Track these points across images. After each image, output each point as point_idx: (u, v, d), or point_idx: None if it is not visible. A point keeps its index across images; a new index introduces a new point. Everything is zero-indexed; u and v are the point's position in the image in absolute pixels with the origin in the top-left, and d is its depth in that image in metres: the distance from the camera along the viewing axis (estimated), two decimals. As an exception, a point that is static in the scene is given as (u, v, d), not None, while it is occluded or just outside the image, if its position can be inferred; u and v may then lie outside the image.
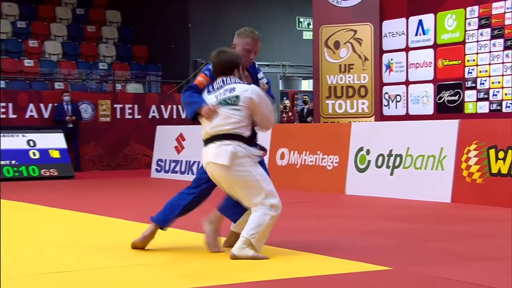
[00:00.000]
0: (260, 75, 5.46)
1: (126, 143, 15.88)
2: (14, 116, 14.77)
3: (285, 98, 19.69)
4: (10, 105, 14.77)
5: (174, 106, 16.66)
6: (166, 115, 16.53)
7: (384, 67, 11.30)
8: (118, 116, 15.96)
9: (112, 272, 4.58)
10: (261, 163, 5.05)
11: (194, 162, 12.43)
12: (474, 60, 10.12)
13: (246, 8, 18.89)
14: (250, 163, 4.90)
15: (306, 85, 21.13)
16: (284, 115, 18.60)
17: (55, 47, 18.06)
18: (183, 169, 12.74)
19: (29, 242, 5.90)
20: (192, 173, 12.52)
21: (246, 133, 4.92)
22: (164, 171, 13.18)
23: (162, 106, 16.52)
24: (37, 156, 13.20)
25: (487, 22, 9.99)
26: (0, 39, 17.55)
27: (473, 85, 10.13)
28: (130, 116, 16.08)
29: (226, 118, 4.88)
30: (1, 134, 12.87)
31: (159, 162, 13.39)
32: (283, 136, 10.87)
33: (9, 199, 9.33)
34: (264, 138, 11.07)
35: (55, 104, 14.94)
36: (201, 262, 4.88)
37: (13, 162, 12.91)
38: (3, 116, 14.63)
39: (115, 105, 15.94)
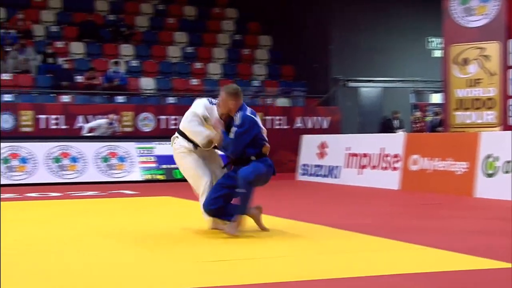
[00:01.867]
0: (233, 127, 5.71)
1: (275, 151, 15.99)
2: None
3: (416, 110, 19.12)
4: (179, 117, 15.33)
5: (317, 118, 16.63)
6: (309, 125, 16.53)
7: (509, 81, 10.72)
8: (269, 126, 16.16)
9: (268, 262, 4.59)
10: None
11: (335, 166, 12.36)
12: None
13: (381, 31, 18.57)
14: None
15: (436, 98, 20.40)
16: (415, 125, 18.06)
17: (216, 68, 18.62)
18: (325, 173, 12.71)
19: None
20: (333, 176, 12.45)
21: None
22: (308, 174, 13.20)
23: (306, 118, 16.56)
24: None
25: None
26: (172, 62, 18.36)
27: None
28: (279, 127, 16.25)
29: None
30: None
31: (304, 167, 13.42)
32: (415, 144, 10.64)
33: (178, 196, 9.71)
34: (397, 146, 10.85)
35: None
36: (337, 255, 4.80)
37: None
38: (174, 126, 15.24)
39: (266, 117, 16.16)
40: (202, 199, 5.75)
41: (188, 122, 5.91)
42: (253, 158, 5.72)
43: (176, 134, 6.02)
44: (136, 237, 5.87)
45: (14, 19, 17.08)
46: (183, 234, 6.00)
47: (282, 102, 17.97)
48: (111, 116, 14.12)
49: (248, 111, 5.88)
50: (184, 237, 5.79)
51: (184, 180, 12.65)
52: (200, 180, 5.72)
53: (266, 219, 7.07)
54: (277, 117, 16.31)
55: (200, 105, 5.94)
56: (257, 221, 5.94)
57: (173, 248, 5.27)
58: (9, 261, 4.63)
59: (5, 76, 15.77)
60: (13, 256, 4.85)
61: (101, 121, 13.97)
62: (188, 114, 5.96)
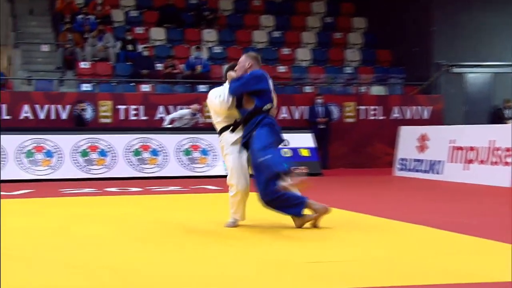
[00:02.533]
0: None
1: (369, 143, 15.83)
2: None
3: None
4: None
5: (416, 108, 16.28)
6: (408, 116, 16.21)
7: None
8: (362, 117, 15.97)
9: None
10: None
11: (438, 161, 12.10)
12: None
13: (491, 9, 17.87)
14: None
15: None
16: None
17: (305, 54, 18.55)
18: (425, 168, 12.47)
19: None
20: (435, 172, 12.18)
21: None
22: (407, 169, 12.98)
23: (404, 107, 16.23)
24: (289, 154, 13.59)
25: None
26: (258, 48, 18.42)
27: None
28: (374, 117, 16.02)
29: None
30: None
31: (402, 161, 13.20)
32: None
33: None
34: (509, 138, 10.41)
35: (309, 106, 15.33)
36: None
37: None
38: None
39: (359, 107, 15.97)
40: (231, 200, 6.40)
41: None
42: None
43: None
44: (220, 234, 5.92)
45: (93, 4, 17.66)
46: (273, 232, 5.99)
47: (377, 90, 17.69)
48: (194, 106, 14.34)
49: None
50: (275, 235, 5.79)
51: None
52: (232, 186, 6.39)
53: (361, 218, 6.97)
54: (372, 107, 16.08)
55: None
56: (315, 219, 6.19)
57: (265, 247, 5.27)
58: (90, 257, 4.78)
59: (84, 65, 16.35)
60: (94, 252, 5.00)
61: (184, 112, 14.23)
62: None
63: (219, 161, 13.16)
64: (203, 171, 12.98)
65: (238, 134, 6.33)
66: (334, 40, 19.18)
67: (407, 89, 17.84)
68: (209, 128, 14.21)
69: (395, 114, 16.19)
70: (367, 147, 15.81)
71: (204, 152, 13.20)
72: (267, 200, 6.13)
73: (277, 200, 6.10)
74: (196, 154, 13.14)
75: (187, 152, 13.11)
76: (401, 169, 13.18)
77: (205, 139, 13.30)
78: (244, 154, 6.33)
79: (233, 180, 6.34)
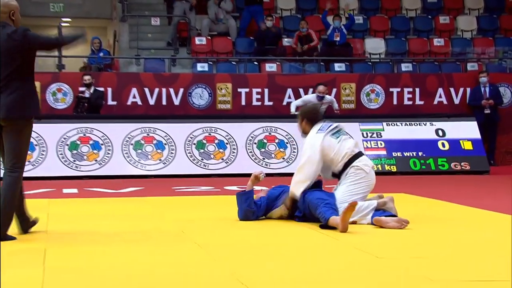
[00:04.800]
0: None
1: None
2: (421, 102, 15.28)
3: None
4: (417, 90, 15.28)
5: None
6: None
7: None
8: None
9: None
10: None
11: None
12: None
13: None
14: None
15: None
16: None
17: (469, 23, 18.21)
18: None
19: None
20: None
21: None
22: None
23: None
24: (447, 147, 13.45)
25: None
26: (409, 17, 18.29)
27: None
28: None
29: None
30: (407, 123, 13.51)
31: None
32: None
33: (414, 193, 9.77)
34: None
35: (471, 88, 15.09)
36: None
37: (420, 153, 13.38)
38: (409, 102, 15.25)
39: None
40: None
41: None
42: None
43: None
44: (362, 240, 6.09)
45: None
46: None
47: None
48: (320, 87, 14.37)
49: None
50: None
51: (420, 173, 12.51)
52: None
53: None
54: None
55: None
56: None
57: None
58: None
59: (199, 41, 16.93)
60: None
61: (308, 97, 14.32)
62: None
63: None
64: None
65: None
66: (508, 4, 18.70)
67: None
68: (348, 116, 14.52)
69: None
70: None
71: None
72: None
73: None
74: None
75: (321, 145, 13.38)
76: None
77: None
78: None
79: None
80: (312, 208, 6.78)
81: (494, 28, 18.17)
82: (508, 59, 17.34)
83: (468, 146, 13.54)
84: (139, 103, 14.73)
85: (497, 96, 15.00)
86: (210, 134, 13.22)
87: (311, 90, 14.71)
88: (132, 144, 12.93)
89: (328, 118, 13.73)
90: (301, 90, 14.97)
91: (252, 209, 7.20)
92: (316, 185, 7.09)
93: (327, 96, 14.36)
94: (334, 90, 15.09)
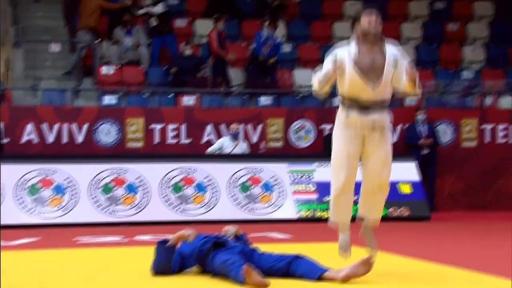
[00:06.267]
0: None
1: (499, 176, 15.70)
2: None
3: None
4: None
5: None
6: None
7: None
8: (488, 140, 15.87)
9: None
10: None
11: None
12: None
13: None
14: None
15: None
16: None
17: (407, 53, 18.52)
18: None
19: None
20: None
21: None
22: None
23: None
24: (384, 190, 13.59)
25: None
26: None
27: None
28: (504, 140, 15.90)
29: None
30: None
31: (543, 202, 13.06)
32: None
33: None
34: None
35: (406, 125, 15.33)
36: None
37: (355, 197, 13.39)
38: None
39: (483, 126, 15.89)
40: (331, 203, 7.31)
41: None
42: None
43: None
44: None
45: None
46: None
47: (509, 102, 17.56)
48: (233, 125, 14.54)
49: None
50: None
51: (356, 219, 12.68)
52: (335, 175, 7.15)
53: (494, 284, 6.98)
54: (502, 126, 15.98)
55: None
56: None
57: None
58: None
59: (106, 70, 16.75)
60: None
61: (222, 140, 14.42)
62: None
63: (288, 199, 13.32)
64: (265, 214, 13.19)
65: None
66: (447, 33, 19.16)
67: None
68: (275, 155, 14.59)
69: None
70: (495, 181, 15.68)
71: (267, 188, 13.41)
72: None
73: None
74: (256, 190, 13.36)
75: (244, 188, 13.35)
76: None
77: (268, 169, 13.55)
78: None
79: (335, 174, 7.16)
80: (223, 273, 6.80)
81: (433, 59, 18.56)
82: (448, 94, 17.69)
83: (406, 189, 13.70)
84: (36, 140, 14.50)
85: (434, 136, 15.24)
86: (118, 176, 13.08)
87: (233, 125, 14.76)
88: (26, 189, 12.69)
89: (252, 158, 14.15)
90: (223, 127, 14.97)
91: (171, 266, 7.15)
92: (220, 244, 7.09)
93: (242, 143, 14.44)
94: (260, 126, 15.16)
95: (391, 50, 7.06)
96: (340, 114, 7.12)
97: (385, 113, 7.06)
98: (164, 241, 7.18)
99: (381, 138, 7.05)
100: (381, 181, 7.13)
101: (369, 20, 6.99)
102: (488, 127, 15.91)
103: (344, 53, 6.99)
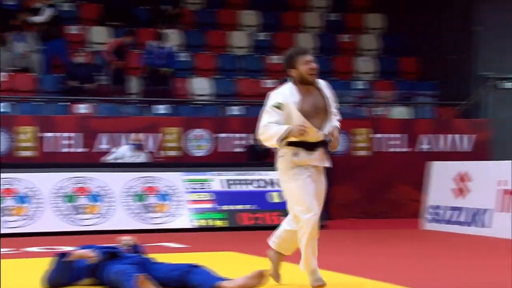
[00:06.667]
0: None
1: (390, 185, 15.97)
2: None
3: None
4: (249, 136, 15.41)
5: (453, 136, 16.46)
6: (442, 148, 16.40)
7: None
8: (379, 149, 16.14)
9: None
10: None
11: (483, 210, 12.24)
12: None
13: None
14: None
15: None
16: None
17: (302, 63, 18.66)
18: (467, 219, 12.58)
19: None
20: (480, 225, 12.24)
21: None
22: (441, 221, 13.09)
23: (437, 136, 16.43)
24: (279, 199, 13.50)
25: None
26: (237, 55, 18.52)
27: None
28: (395, 149, 16.18)
29: None
30: (238, 173, 13.62)
31: (434, 209, 13.30)
32: None
33: (244, 251, 9.90)
34: None
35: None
36: None
37: (252, 206, 13.51)
38: (240, 149, 15.41)
39: (375, 135, 16.15)
40: (300, 233, 7.03)
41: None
42: None
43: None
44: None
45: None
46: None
47: (400, 112, 17.89)
48: (134, 136, 14.47)
49: None
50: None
51: (253, 228, 12.73)
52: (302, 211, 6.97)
53: (372, 286, 7.09)
54: (393, 135, 16.27)
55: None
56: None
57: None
58: None
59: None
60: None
61: (122, 150, 14.31)
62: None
63: (184, 208, 13.29)
64: (161, 223, 13.09)
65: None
66: (341, 44, 19.38)
67: (440, 111, 18.00)
68: (171, 164, 14.51)
69: (424, 145, 16.37)
70: (386, 190, 15.93)
71: (163, 197, 13.31)
72: None
73: None
74: (152, 200, 13.25)
75: (140, 197, 13.22)
76: (433, 220, 13.25)
77: (164, 178, 13.44)
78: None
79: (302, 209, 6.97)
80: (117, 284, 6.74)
81: (327, 70, 18.69)
82: (342, 104, 17.87)
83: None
84: None
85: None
86: (10, 186, 12.80)
87: (133, 135, 14.70)
88: None
89: (148, 166, 14.03)
90: (119, 135, 14.82)
91: (65, 279, 7.04)
92: (115, 255, 7.04)
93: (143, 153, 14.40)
94: (156, 135, 15.07)
95: (326, 91, 7.12)
96: (286, 156, 6.99)
97: (327, 152, 7.17)
98: (63, 254, 7.06)
99: (323, 176, 7.21)
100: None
101: (309, 68, 6.98)
102: (380, 136, 16.17)
103: (286, 99, 6.92)
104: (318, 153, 7.05)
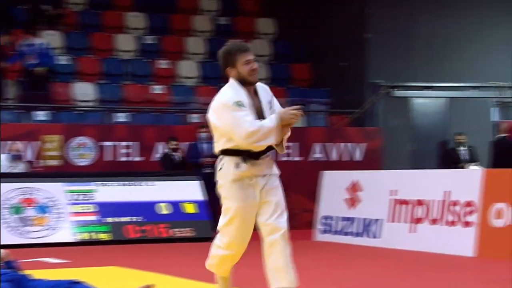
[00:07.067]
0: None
1: (286, 194, 15.88)
2: (140, 158, 15.29)
3: (499, 131, 18.94)
4: (135, 144, 15.22)
5: (346, 145, 16.54)
6: (334, 157, 16.46)
7: None
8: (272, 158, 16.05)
9: None
10: None
11: (375, 220, 12.35)
12: None
13: (449, 14, 18.43)
14: None
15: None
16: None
17: (190, 69, 18.55)
18: (358, 230, 12.67)
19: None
20: (371, 235, 12.34)
21: None
22: (332, 231, 13.15)
23: (329, 145, 16.49)
24: (168, 211, 13.47)
25: None
26: (123, 59, 18.30)
27: None
28: (286, 158, 16.13)
29: None
30: (123, 183, 13.41)
31: (326, 220, 13.34)
32: (501, 186, 10.56)
33: (129, 266, 9.56)
34: (471, 188, 10.69)
35: (190, 143, 15.26)
36: None
37: (138, 218, 13.33)
38: (125, 158, 15.14)
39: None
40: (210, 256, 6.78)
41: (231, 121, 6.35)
42: None
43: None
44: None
45: None
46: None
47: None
48: (11, 146, 14.07)
49: None
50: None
51: (139, 241, 12.48)
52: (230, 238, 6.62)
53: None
54: (285, 144, 16.19)
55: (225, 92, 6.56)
56: None
57: None
58: None
59: None
60: None
61: None
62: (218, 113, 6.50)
63: (65, 221, 12.98)
64: (40, 237, 12.81)
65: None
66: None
67: (332, 119, 18.14)
68: (51, 174, 14.13)
69: (316, 154, 16.40)
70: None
71: (42, 209, 13.04)
72: None
73: None
74: (30, 212, 12.97)
75: (17, 210, 12.93)
76: (325, 231, 13.29)
77: (44, 189, 13.15)
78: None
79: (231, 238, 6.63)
80: None
81: (218, 76, 18.61)
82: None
83: (190, 209, 13.72)
84: None
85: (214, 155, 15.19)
86: None
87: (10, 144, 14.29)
88: None
89: (26, 177, 13.61)
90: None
91: None
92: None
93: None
94: (36, 143, 14.63)
95: (263, 93, 6.58)
96: (226, 169, 6.42)
97: (272, 159, 6.61)
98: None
99: (276, 183, 6.67)
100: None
101: (251, 68, 6.47)
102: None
103: (241, 98, 6.41)
104: (265, 161, 6.50)
